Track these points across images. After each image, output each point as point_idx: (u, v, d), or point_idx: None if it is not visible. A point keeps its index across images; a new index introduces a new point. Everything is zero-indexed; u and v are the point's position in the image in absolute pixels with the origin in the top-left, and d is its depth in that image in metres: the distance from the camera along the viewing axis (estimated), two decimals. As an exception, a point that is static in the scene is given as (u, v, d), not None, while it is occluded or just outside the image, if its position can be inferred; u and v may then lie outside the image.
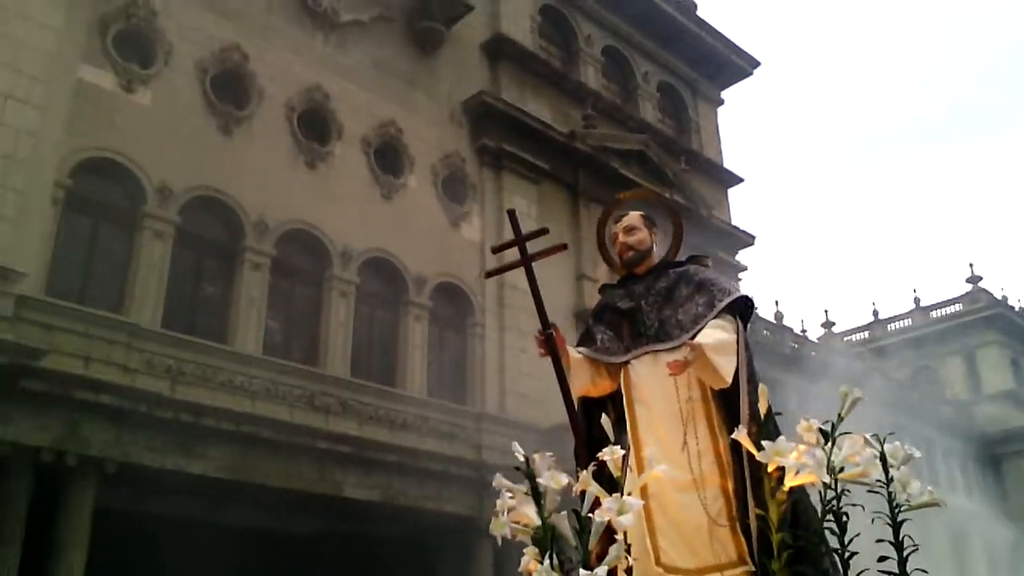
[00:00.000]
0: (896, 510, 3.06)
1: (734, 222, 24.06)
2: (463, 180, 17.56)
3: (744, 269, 24.29)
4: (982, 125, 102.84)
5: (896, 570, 3.04)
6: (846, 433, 3.14)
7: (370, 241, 15.40)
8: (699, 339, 3.48)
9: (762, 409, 3.32)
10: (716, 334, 3.55)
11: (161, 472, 12.05)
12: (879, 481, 3.07)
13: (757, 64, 25.79)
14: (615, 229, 4.08)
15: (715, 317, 3.67)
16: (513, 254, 3.79)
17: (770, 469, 3.06)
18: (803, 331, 33.70)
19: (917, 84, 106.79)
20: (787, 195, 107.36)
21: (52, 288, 11.84)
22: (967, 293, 41.06)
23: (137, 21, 13.58)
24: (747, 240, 24.14)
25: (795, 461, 2.99)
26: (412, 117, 16.97)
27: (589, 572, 2.71)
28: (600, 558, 3.19)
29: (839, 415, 3.21)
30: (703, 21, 24.53)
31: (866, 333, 43.17)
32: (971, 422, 37.65)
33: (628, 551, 2.93)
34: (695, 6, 24.69)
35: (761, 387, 3.35)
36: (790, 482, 3.04)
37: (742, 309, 3.79)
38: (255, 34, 15.05)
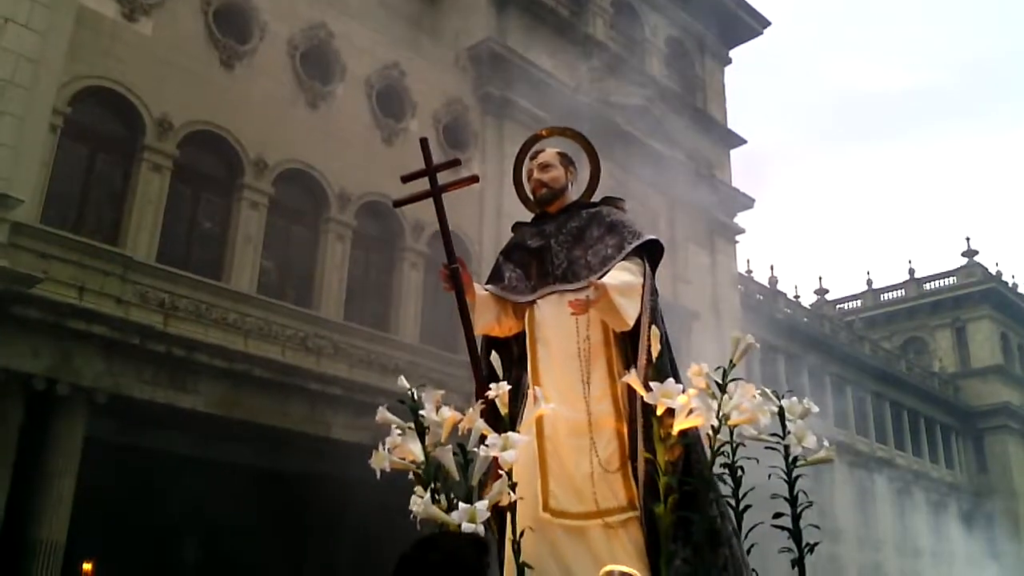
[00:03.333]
0: (792, 464, 3.07)
1: (734, 184, 23.95)
2: (465, 127, 17.40)
3: (742, 231, 24.25)
4: (986, 99, 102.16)
5: (790, 525, 3.03)
6: (737, 379, 3.17)
7: (369, 185, 15.30)
8: (605, 280, 3.39)
9: (654, 352, 3.31)
10: (622, 276, 3.48)
11: (152, 405, 12.12)
12: (775, 435, 3.09)
13: (767, 24, 25.46)
14: (530, 165, 3.96)
15: (624, 259, 3.58)
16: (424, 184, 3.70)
17: (659, 412, 3.06)
18: (796, 297, 33.78)
19: (924, 56, 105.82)
20: (788, 160, 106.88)
21: (48, 216, 11.77)
22: (962, 267, 41.14)
23: (140, -52, 13.31)
24: (746, 203, 24.05)
25: (682, 403, 3.00)
26: (416, 61, 16.76)
27: (468, 505, 2.70)
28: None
29: (730, 360, 3.22)
30: (715, -23, 24.15)
31: (859, 302, 43.31)
32: (957, 395, 37.97)
33: (513, 489, 2.89)
34: (708, -39, 24.29)
35: (653, 330, 3.32)
36: (678, 425, 3.04)
37: (652, 254, 3.69)
38: (260, -33, 14.78)
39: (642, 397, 3.14)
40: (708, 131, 23.39)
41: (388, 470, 3.02)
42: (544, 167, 3.90)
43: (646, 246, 3.67)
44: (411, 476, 3.03)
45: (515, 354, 3.77)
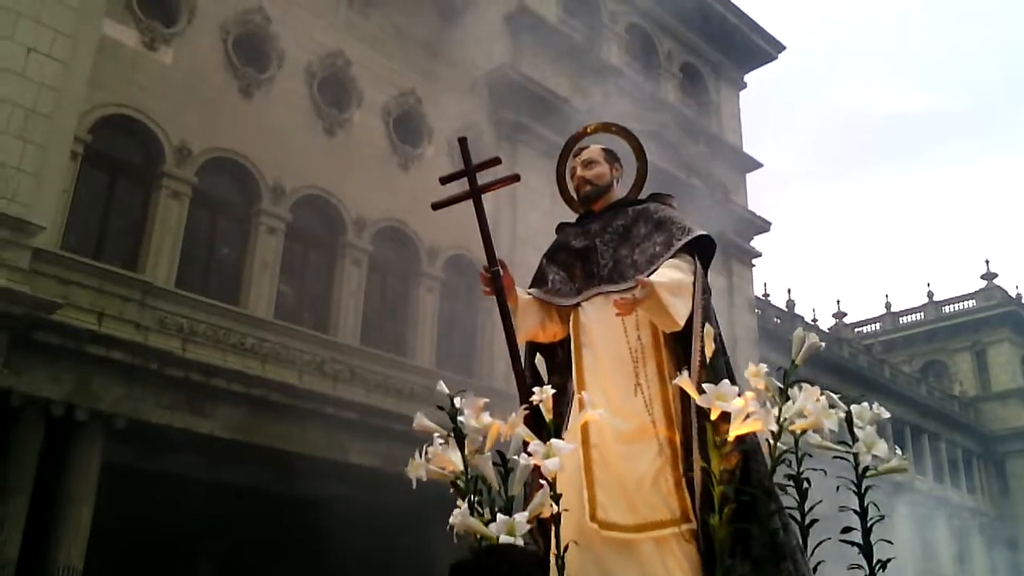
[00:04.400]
0: (861, 475, 2.82)
1: (750, 207, 23.93)
2: (480, 152, 17.33)
3: (759, 255, 24.19)
4: (1005, 123, 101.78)
5: (860, 540, 2.79)
6: (800, 382, 2.92)
7: (385, 210, 15.39)
8: (653, 278, 3.20)
9: (708, 352, 3.08)
10: (671, 273, 3.29)
11: (169, 430, 12.17)
12: (843, 443, 2.84)
13: (782, 48, 25.53)
14: (574, 163, 3.80)
15: (673, 257, 3.39)
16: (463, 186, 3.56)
17: (713, 416, 2.83)
18: (814, 320, 33.64)
19: (941, 79, 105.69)
20: (805, 182, 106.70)
21: (68, 243, 11.90)
22: (981, 289, 40.86)
23: (161, -21, 13.54)
24: (763, 226, 24.01)
25: (738, 407, 2.75)
26: (432, 87, 16.90)
27: (505, 517, 2.52)
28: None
29: (792, 361, 2.98)
30: (729, 2, 24.27)
31: (877, 325, 43.04)
32: (978, 419, 37.57)
33: (557, 500, 2.69)
34: (722, -13, 24.43)
35: (707, 328, 3.10)
36: (735, 431, 2.79)
37: (704, 251, 3.50)
38: (278, -4, 14.98)
39: (695, 402, 2.90)
40: (723, 155, 23.42)
41: (424, 479, 2.83)
42: (588, 164, 3.74)
43: (697, 243, 3.47)
44: (450, 488, 2.86)
45: (560, 360, 3.55)
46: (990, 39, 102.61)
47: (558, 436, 2.85)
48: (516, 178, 3.63)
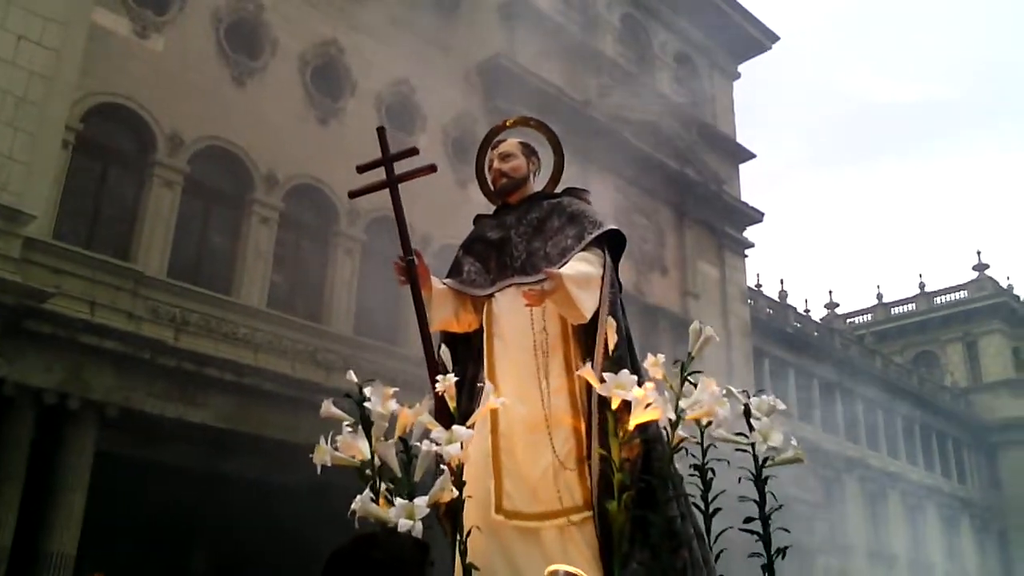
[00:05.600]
0: (761, 464, 2.88)
1: (743, 198, 23.97)
2: (474, 142, 17.39)
3: (751, 246, 24.25)
4: (997, 112, 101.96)
5: (760, 530, 2.84)
6: (697, 372, 3.00)
7: (378, 199, 15.20)
8: (562, 270, 3.24)
9: (610, 344, 3.16)
10: (580, 266, 3.33)
11: (162, 419, 12.17)
12: (741, 434, 2.91)
13: (776, 38, 25.55)
14: (491, 155, 3.82)
15: (583, 250, 3.43)
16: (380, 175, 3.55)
17: (614, 405, 2.90)
18: (806, 311, 33.71)
19: (934, 69, 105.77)
20: (798, 173, 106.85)
21: (60, 232, 11.87)
22: (973, 280, 41.00)
23: (153, -34, 13.47)
24: (756, 217, 24.07)
25: (637, 396, 2.83)
26: (426, 76, 16.85)
27: (405, 501, 2.55)
28: (447, 502, 2.99)
29: (689, 353, 3.06)
30: (723, -7, 24.26)
31: (869, 316, 43.18)
32: (969, 409, 37.76)
33: (460, 487, 2.73)
34: (716, -23, 24.40)
35: (609, 320, 3.19)
36: (635, 419, 2.87)
37: (615, 246, 3.56)
38: (272, -16, 14.91)
39: (596, 391, 3.01)
40: (717, 145, 23.45)
41: (329, 465, 2.86)
42: (505, 156, 3.76)
43: (607, 237, 3.52)
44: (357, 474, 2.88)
45: (475, 349, 3.62)
46: (987, 29, 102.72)
47: (464, 423, 2.89)
48: (433, 168, 3.65)
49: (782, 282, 32.92)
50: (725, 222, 22.94)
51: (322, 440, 2.86)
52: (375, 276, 15.70)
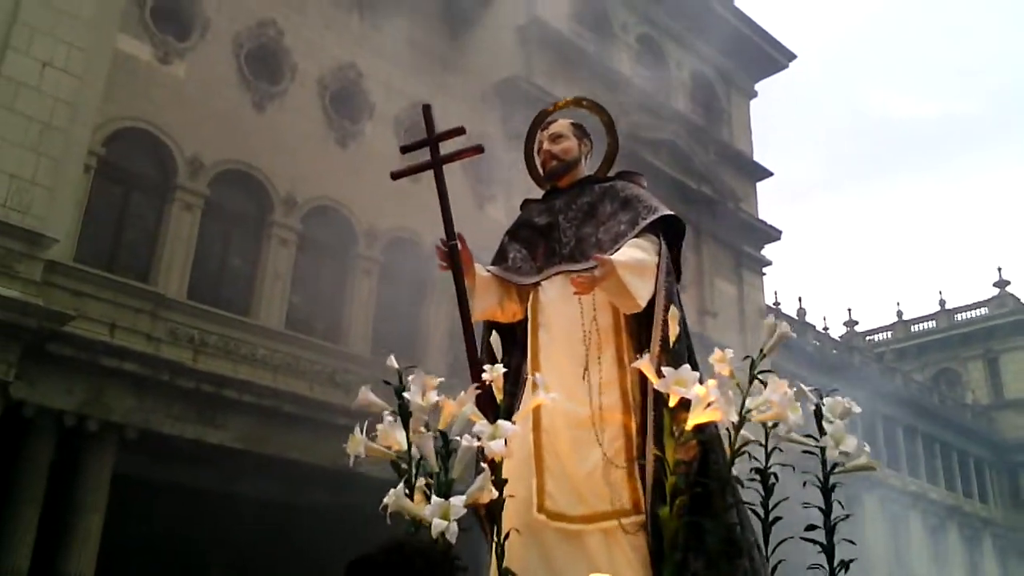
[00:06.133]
0: (828, 471, 2.68)
1: (761, 216, 23.93)
2: (492, 162, 17.55)
3: (769, 264, 24.19)
4: (1018, 127, 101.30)
5: (823, 539, 2.65)
6: (767, 372, 2.77)
7: (396, 220, 15.44)
8: (614, 257, 3.03)
9: (671, 336, 2.91)
10: (633, 253, 3.13)
11: (180, 440, 12.25)
12: (811, 436, 2.70)
13: (793, 57, 25.54)
14: (541, 136, 3.62)
15: (638, 236, 3.23)
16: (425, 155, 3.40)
17: (671, 403, 2.65)
18: (825, 329, 33.55)
19: (953, 84, 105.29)
20: (816, 190, 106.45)
21: (81, 255, 12.00)
22: (994, 297, 40.66)
23: (175, -7, 13.66)
24: (773, 235, 24.01)
25: (698, 393, 2.58)
26: (444, 98, 16.93)
27: (440, 499, 2.38)
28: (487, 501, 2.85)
29: (761, 349, 2.85)
30: (739, 11, 24.30)
31: (889, 333, 42.87)
32: (991, 427, 37.37)
33: (500, 485, 2.54)
34: (733, -5, 24.46)
35: (671, 311, 2.95)
36: (694, 419, 2.63)
37: (672, 232, 3.35)
38: (291, 10, 15.07)
39: (653, 387, 2.75)
40: (734, 164, 23.44)
41: (363, 456, 2.69)
42: (555, 138, 3.56)
43: (664, 223, 3.31)
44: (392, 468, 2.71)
45: (519, 341, 3.43)
46: (1006, 44, 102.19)
47: (508, 418, 2.73)
48: (480, 149, 3.42)
49: (800, 300, 32.78)
50: (743, 240, 22.90)
51: (357, 429, 2.70)
52: (393, 296, 15.78)
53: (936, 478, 33.14)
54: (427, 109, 3.46)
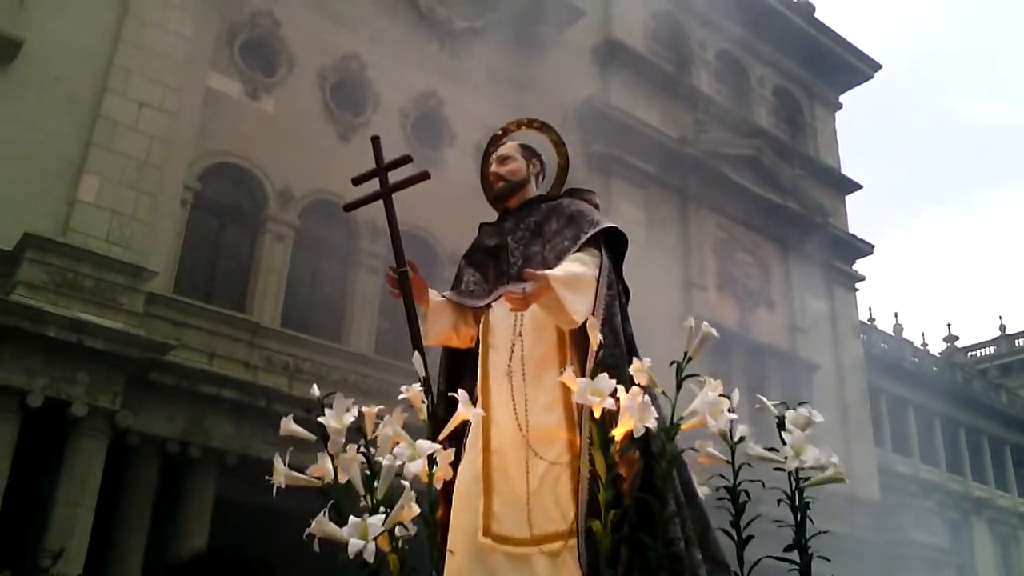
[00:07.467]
0: (797, 485, 2.54)
1: (851, 230, 23.35)
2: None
3: (862, 279, 23.55)
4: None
5: (797, 558, 2.51)
6: (693, 375, 2.62)
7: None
8: (549, 272, 2.95)
9: (592, 344, 2.81)
10: (570, 267, 3.05)
11: (278, 466, 12.45)
12: (772, 449, 2.56)
13: (878, 67, 24.97)
14: (491, 160, 3.62)
15: (579, 251, 3.15)
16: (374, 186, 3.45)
17: (596, 414, 2.57)
18: (924, 345, 32.44)
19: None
20: (909, 202, 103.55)
21: (180, 286, 12.43)
22: (1104, 308, 38.77)
23: (262, 31, 14.16)
24: (865, 249, 23.39)
25: (612, 402, 2.48)
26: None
27: (357, 520, 2.33)
28: (443, 523, 2.83)
29: (685, 353, 2.69)
30: (820, 23, 23.92)
31: (992, 348, 41.20)
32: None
33: (432, 507, 2.52)
34: (813, 8, 24.11)
35: (590, 320, 2.87)
36: (621, 428, 2.53)
37: (615, 246, 3.28)
38: (373, 43, 15.45)
39: (574, 399, 2.68)
40: (821, 178, 22.98)
41: (283, 486, 2.67)
42: (503, 160, 3.55)
43: (607, 237, 3.24)
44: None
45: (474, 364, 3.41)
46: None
47: (460, 443, 2.71)
48: (426, 176, 3.45)
49: (896, 316, 31.89)
50: (833, 255, 22.35)
51: (277, 459, 2.68)
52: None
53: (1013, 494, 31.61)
54: (375, 140, 3.51)
